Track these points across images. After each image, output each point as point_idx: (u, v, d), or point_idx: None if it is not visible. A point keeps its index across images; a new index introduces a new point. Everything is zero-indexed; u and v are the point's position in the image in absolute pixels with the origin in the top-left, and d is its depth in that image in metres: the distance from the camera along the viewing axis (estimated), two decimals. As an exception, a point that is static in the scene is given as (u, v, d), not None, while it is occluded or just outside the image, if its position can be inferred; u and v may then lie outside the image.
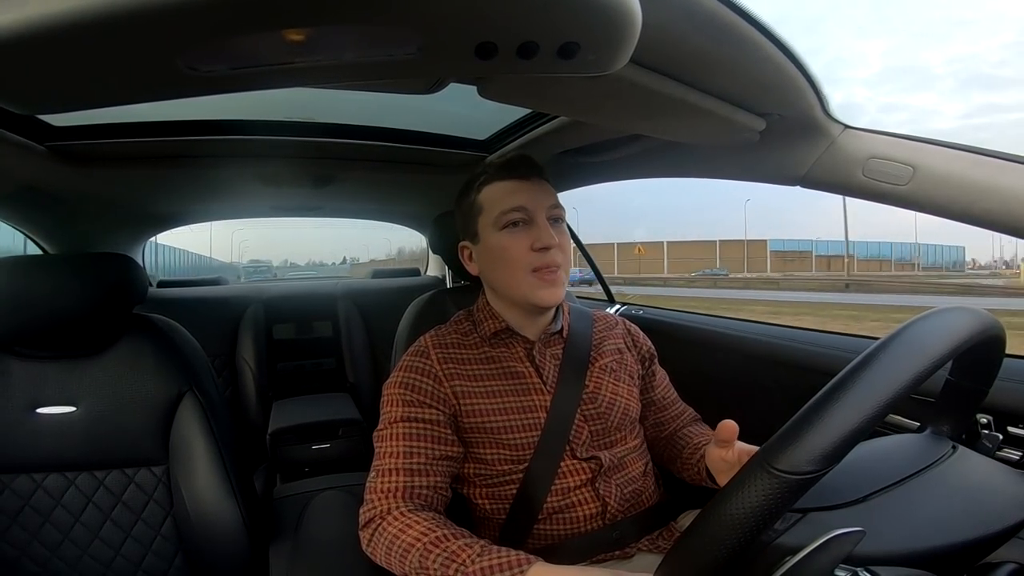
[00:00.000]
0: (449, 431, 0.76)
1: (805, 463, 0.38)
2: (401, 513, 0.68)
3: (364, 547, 0.70)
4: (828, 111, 0.75)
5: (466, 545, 0.61)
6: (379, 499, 0.71)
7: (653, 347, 0.96)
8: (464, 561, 0.60)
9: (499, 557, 0.59)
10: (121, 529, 0.92)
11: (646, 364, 0.93)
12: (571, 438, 0.78)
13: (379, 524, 0.68)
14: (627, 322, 0.96)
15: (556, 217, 0.80)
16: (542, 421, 0.78)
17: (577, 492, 0.77)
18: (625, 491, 0.79)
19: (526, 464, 0.77)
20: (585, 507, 0.77)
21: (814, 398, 0.42)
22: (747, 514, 0.39)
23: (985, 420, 0.71)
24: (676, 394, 0.96)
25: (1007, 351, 0.57)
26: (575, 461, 0.78)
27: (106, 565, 0.91)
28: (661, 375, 0.95)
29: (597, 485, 0.78)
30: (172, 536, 0.94)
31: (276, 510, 1.14)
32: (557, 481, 0.77)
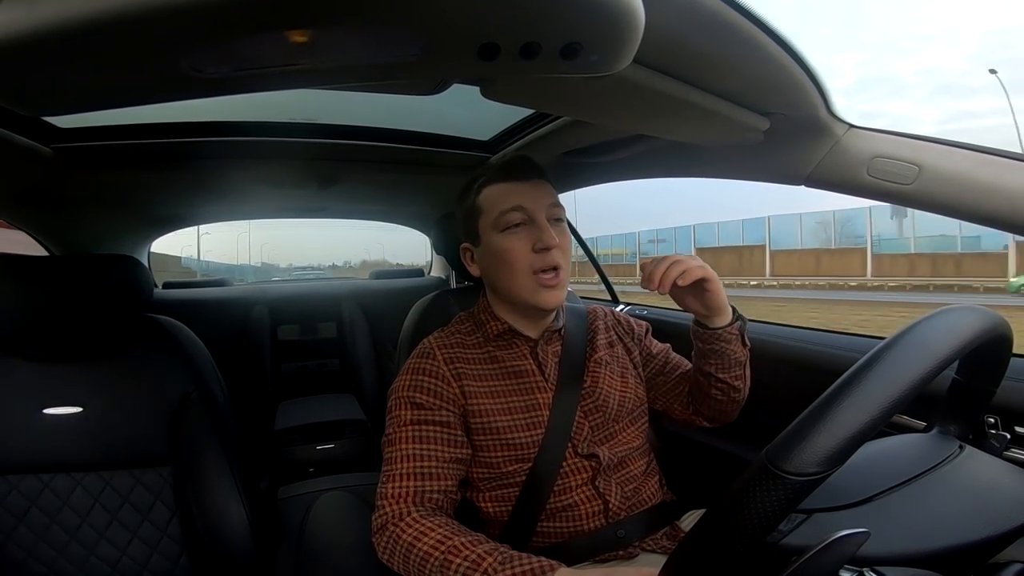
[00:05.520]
0: (459, 432, 0.76)
1: (810, 464, 0.38)
2: (414, 519, 0.67)
3: (380, 555, 0.69)
4: (832, 110, 0.74)
5: (486, 553, 0.61)
6: (390, 504, 0.70)
7: (647, 324, 0.97)
8: (487, 570, 0.59)
9: (522, 564, 0.59)
10: (127, 530, 0.93)
11: (640, 341, 0.94)
12: (572, 434, 0.79)
13: (392, 531, 0.68)
14: (615, 312, 0.98)
15: (556, 217, 0.80)
16: (545, 419, 0.78)
17: (578, 491, 0.77)
18: (625, 489, 0.79)
19: (531, 464, 0.77)
20: (586, 505, 0.77)
21: (819, 398, 0.42)
22: (751, 516, 0.39)
23: (992, 420, 0.70)
24: (679, 357, 0.95)
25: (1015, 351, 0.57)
26: (577, 459, 0.78)
27: (112, 566, 0.91)
28: (659, 345, 0.96)
29: (597, 483, 0.78)
30: (178, 536, 0.94)
31: (281, 510, 1.15)
32: (559, 480, 0.77)
